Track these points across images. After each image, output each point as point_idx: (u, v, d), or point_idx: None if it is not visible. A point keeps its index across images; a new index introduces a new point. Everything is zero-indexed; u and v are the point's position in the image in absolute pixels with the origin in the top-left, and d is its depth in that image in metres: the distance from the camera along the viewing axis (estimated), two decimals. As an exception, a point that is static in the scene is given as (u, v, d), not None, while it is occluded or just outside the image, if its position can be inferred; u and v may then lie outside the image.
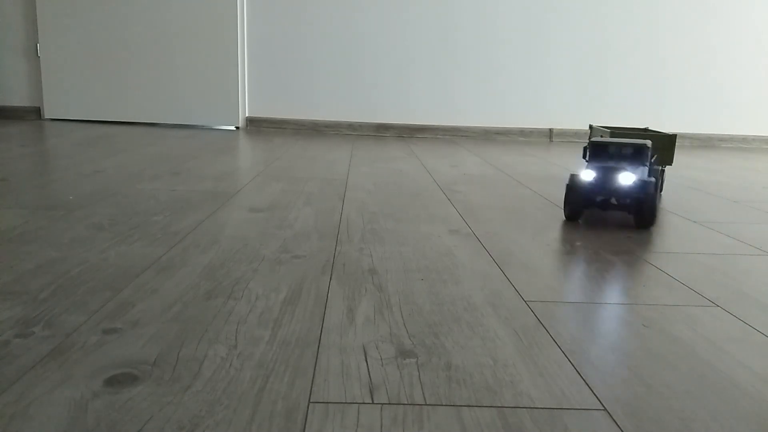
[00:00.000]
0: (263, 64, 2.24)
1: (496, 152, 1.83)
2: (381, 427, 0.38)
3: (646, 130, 1.39)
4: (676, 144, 1.26)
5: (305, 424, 0.38)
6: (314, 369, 0.45)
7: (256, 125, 2.27)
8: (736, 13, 2.27)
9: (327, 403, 0.40)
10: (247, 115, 2.27)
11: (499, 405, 0.41)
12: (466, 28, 2.24)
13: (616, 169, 0.90)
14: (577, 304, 0.59)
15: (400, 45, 2.24)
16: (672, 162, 1.28)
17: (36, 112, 2.26)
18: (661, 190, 1.15)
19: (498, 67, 2.27)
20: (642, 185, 0.89)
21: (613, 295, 0.63)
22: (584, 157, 0.98)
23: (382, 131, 2.28)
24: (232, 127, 2.24)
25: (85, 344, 0.47)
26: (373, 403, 0.40)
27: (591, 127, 1.42)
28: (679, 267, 0.73)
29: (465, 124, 2.30)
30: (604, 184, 0.90)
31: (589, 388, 0.44)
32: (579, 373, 0.46)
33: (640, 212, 0.90)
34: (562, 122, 2.31)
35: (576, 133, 2.31)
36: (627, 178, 0.89)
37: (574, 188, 0.92)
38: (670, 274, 0.70)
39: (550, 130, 2.31)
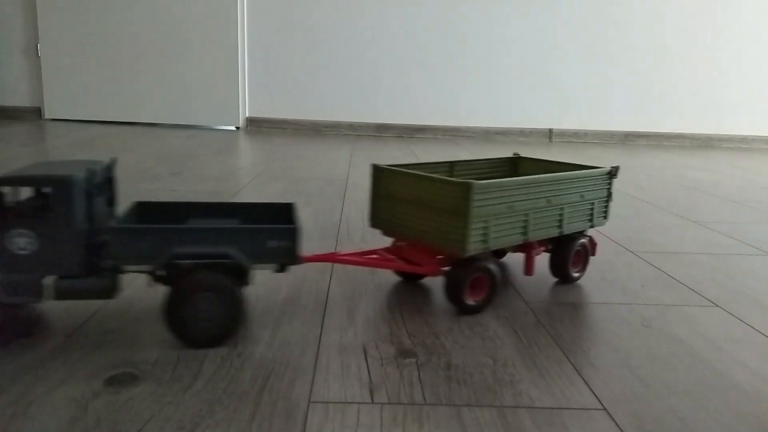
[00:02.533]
0: (263, 64, 2.24)
1: (496, 152, 1.83)
2: (381, 426, 0.38)
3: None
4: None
5: (305, 423, 0.38)
6: (314, 369, 0.45)
7: (256, 125, 2.27)
8: (736, 13, 2.27)
9: (327, 402, 0.40)
10: (247, 115, 2.27)
11: (499, 405, 0.41)
12: (466, 27, 2.24)
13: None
14: (576, 304, 0.59)
15: (400, 45, 2.24)
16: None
17: (36, 112, 2.26)
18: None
19: (498, 67, 2.27)
20: None
21: (613, 294, 0.63)
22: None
23: (382, 131, 2.28)
24: (232, 127, 2.24)
25: (85, 344, 0.47)
26: (373, 402, 0.40)
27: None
28: (679, 267, 0.73)
29: (465, 124, 2.30)
30: None
31: (589, 388, 0.44)
32: (579, 373, 0.46)
33: None
34: (562, 122, 2.31)
35: (575, 133, 2.31)
36: None
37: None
38: (670, 273, 0.70)
39: (550, 130, 2.31)
